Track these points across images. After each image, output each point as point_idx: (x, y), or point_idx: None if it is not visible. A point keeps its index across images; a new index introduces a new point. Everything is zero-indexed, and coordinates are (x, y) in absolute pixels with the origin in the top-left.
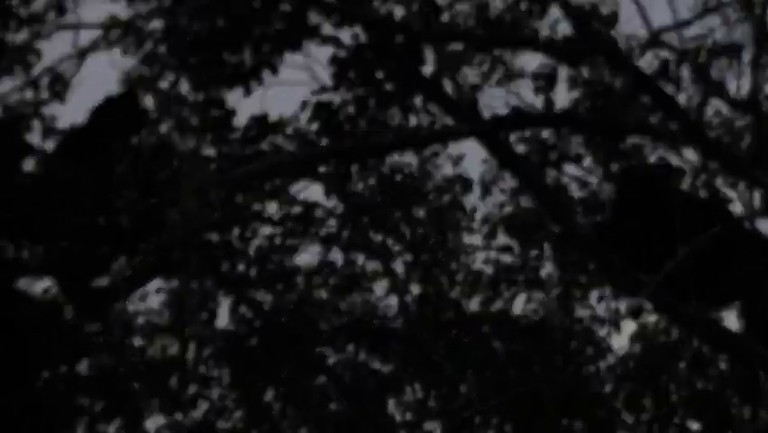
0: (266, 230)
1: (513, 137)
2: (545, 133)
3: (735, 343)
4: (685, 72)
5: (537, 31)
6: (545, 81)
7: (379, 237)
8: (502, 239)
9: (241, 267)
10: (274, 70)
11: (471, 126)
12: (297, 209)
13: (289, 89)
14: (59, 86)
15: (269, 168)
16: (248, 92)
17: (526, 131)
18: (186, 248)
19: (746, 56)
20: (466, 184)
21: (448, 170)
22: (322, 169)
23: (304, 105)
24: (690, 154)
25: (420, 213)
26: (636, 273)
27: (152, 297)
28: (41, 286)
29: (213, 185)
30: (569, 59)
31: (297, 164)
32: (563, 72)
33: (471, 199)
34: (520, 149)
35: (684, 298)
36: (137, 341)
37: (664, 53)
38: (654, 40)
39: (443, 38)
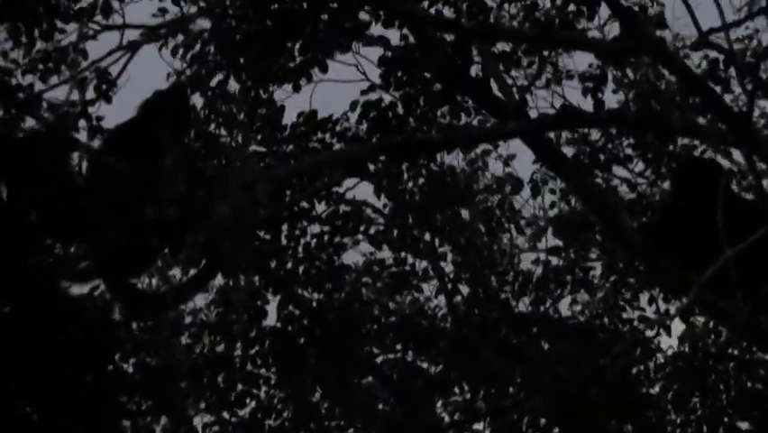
0: (314, 228)
1: (562, 139)
2: (595, 135)
3: None
4: (733, 73)
5: (585, 31)
6: (594, 82)
7: (427, 237)
8: (551, 240)
9: (289, 265)
10: (323, 68)
11: (519, 126)
12: (345, 208)
13: (339, 88)
14: (105, 85)
15: (317, 164)
16: (297, 89)
17: (575, 131)
18: (234, 243)
19: None
20: (516, 184)
21: (498, 170)
22: (371, 167)
23: (354, 104)
24: (739, 156)
25: (469, 213)
26: (684, 274)
27: (200, 296)
28: (89, 287)
29: (261, 180)
30: (617, 59)
31: (345, 161)
32: (610, 75)
33: (521, 200)
34: (569, 151)
35: (732, 298)
36: (184, 339)
37: (713, 54)
38: (703, 40)
39: (492, 38)
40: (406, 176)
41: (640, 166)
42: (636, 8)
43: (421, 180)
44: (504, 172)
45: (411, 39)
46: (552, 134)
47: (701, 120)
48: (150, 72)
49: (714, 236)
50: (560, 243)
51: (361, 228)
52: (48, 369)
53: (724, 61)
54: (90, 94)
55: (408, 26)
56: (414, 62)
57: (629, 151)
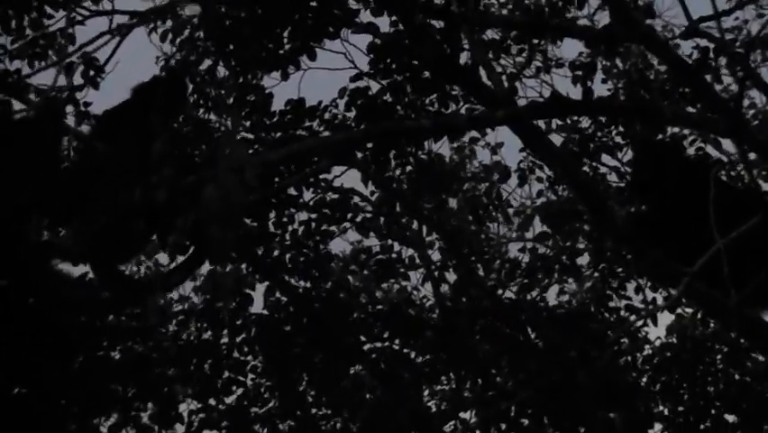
0: (302, 216)
1: (552, 126)
2: (584, 124)
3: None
4: (723, 62)
5: (575, 19)
6: (584, 70)
7: (415, 225)
8: (538, 228)
9: (276, 252)
10: (312, 56)
11: (509, 112)
12: (333, 196)
13: (328, 76)
14: (93, 71)
15: (305, 150)
16: (285, 77)
17: (565, 119)
18: (222, 228)
19: None
20: (504, 172)
21: (486, 158)
22: (359, 155)
23: (342, 92)
24: (729, 145)
25: (456, 201)
26: (674, 264)
27: (187, 282)
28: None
29: (249, 165)
30: (607, 48)
31: (333, 147)
32: (599, 64)
33: (509, 188)
34: (558, 139)
35: (721, 289)
36: (171, 326)
37: (703, 43)
38: (693, 29)
39: (482, 25)
40: (393, 163)
41: (629, 155)
42: None
43: (408, 168)
44: (491, 160)
45: (400, 26)
46: (541, 123)
47: (691, 109)
48: (139, 58)
49: (704, 225)
50: (548, 231)
51: (349, 216)
52: (38, 351)
53: (714, 50)
54: (78, 80)
55: (397, 13)
56: (403, 50)
57: (618, 139)
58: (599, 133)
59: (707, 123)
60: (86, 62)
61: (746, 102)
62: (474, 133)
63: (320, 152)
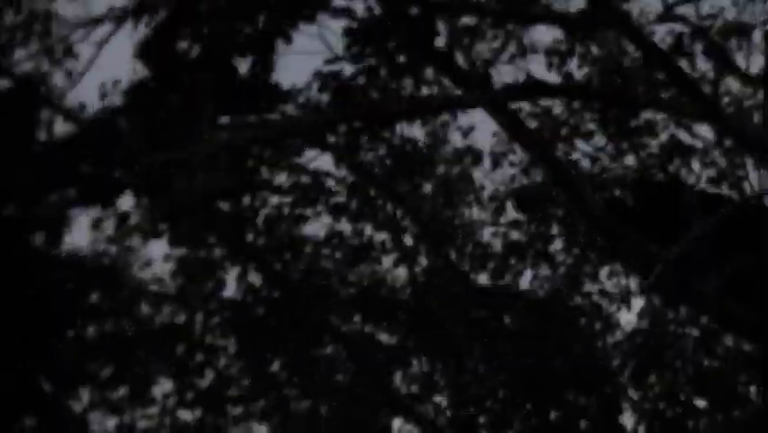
0: (275, 199)
1: (524, 113)
2: (557, 110)
3: (742, 320)
4: (699, 48)
5: (550, 5)
6: (559, 56)
7: (388, 208)
8: (511, 213)
9: (250, 236)
10: (288, 40)
11: (484, 95)
12: (306, 179)
13: (304, 60)
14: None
15: (278, 132)
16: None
17: (539, 101)
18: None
19: (757, 35)
20: (476, 156)
21: (458, 142)
22: (332, 138)
23: (316, 75)
24: (704, 131)
25: (429, 185)
26: (648, 250)
27: (161, 264)
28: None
29: (222, 149)
30: (583, 32)
31: (306, 129)
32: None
33: (481, 172)
34: (532, 124)
35: (695, 276)
36: (145, 308)
37: (678, 28)
38: (668, 13)
39: (458, 10)
40: (367, 147)
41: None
42: None
43: (382, 152)
44: (463, 144)
45: (376, 11)
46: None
47: (664, 94)
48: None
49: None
50: (520, 217)
51: (322, 199)
52: (14, 328)
53: (690, 35)
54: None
55: None
56: (378, 33)
57: (592, 125)
58: (572, 120)
59: (682, 108)
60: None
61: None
62: (446, 118)
63: (293, 132)
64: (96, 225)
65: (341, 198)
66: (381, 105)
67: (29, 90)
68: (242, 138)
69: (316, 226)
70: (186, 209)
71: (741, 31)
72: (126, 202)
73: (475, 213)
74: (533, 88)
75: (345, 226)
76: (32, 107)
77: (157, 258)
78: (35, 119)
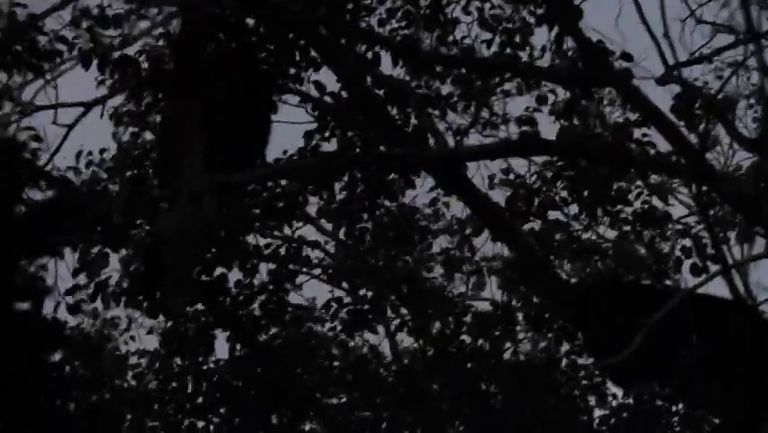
0: (264, 266)
1: (494, 182)
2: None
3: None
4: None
5: (552, 62)
6: (530, 125)
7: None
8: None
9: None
10: (273, 109)
11: (479, 148)
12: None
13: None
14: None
15: (271, 174)
16: None
17: (509, 172)
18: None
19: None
20: (477, 227)
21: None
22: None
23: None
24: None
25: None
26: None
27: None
28: None
29: (207, 190)
30: (583, 90)
31: (298, 172)
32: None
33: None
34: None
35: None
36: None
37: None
38: (669, 75)
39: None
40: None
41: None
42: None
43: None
44: (464, 213)
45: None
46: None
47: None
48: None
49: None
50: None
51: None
52: None
53: (687, 97)
54: None
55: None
56: (347, 114)
57: (564, 194)
58: (545, 188)
59: (675, 168)
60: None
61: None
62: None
63: (284, 175)
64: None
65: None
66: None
67: (11, 154)
68: (236, 177)
69: (304, 294)
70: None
71: (727, 104)
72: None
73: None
74: (529, 145)
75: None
76: (15, 171)
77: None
78: (18, 184)
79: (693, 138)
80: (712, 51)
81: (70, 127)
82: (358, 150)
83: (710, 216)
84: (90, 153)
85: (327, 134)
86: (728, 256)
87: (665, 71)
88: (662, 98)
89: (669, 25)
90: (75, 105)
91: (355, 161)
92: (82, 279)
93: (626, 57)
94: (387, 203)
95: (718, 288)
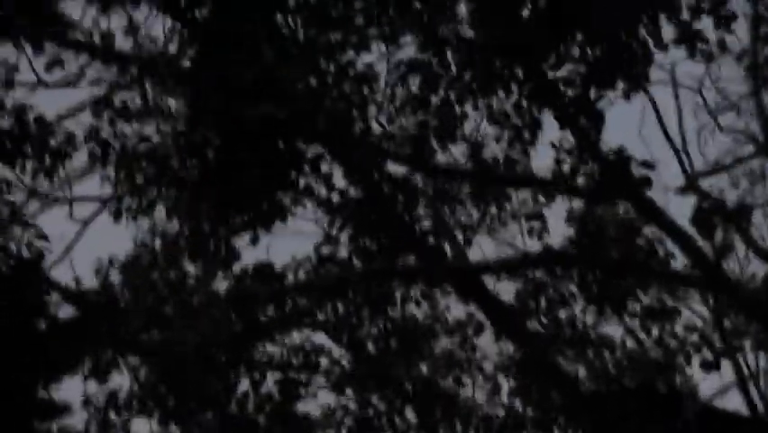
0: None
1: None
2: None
3: None
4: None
5: (570, 175)
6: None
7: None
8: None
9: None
10: (282, 219)
11: (501, 262)
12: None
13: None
14: None
15: (275, 291)
16: (255, 242)
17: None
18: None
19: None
20: (478, 327)
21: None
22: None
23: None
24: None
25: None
26: None
27: None
28: None
29: (221, 305)
30: (603, 202)
31: (301, 289)
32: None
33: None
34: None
35: None
36: None
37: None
38: (688, 186)
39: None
40: (367, 323)
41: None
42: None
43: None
44: (466, 314)
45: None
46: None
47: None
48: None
49: None
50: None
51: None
52: None
53: (708, 208)
54: None
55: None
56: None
57: (573, 289)
58: (553, 285)
59: (691, 279)
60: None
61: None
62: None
63: (306, 291)
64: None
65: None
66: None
67: (31, 271)
68: (244, 290)
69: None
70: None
71: (741, 213)
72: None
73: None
74: (551, 258)
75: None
76: (35, 289)
77: None
78: (37, 301)
79: (709, 247)
80: (732, 161)
81: (86, 223)
82: (372, 259)
83: (724, 325)
84: (111, 263)
85: (337, 241)
86: (743, 366)
87: (684, 182)
88: (671, 201)
89: (686, 134)
90: (91, 200)
91: (376, 277)
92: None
93: (647, 165)
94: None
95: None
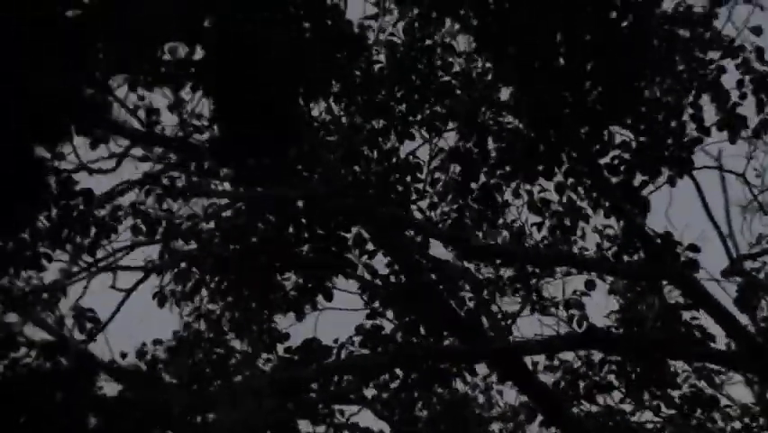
0: None
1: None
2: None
3: None
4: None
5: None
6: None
7: None
8: None
9: None
10: (328, 297)
11: (541, 343)
12: None
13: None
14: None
15: (319, 372)
16: (300, 318)
17: (552, 358)
18: None
19: None
20: (530, 414)
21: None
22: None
23: (359, 329)
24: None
25: None
26: None
27: None
28: None
29: (266, 387)
30: (648, 284)
31: (362, 367)
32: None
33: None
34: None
35: None
36: None
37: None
38: (734, 268)
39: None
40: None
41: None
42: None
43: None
44: (517, 400)
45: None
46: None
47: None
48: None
49: None
50: None
51: None
52: None
53: (750, 290)
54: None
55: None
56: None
57: (611, 377)
58: (591, 372)
59: (734, 360)
60: (78, 315)
61: None
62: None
63: (349, 370)
64: None
65: None
66: (437, 346)
67: (87, 363)
68: (286, 375)
69: None
70: None
71: None
72: None
73: None
74: (592, 339)
75: None
76: (89, 379)
77: None
78: (90, 391)
79: (752, 327)
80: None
81: (129, 292)
82: (420, 341)
83: None
84: (156, 344)
85: (379, 321)
86: None
87: (730, 264)
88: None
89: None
90: (135, 269)
91: (425, 357)
92: None
93: (693, 248)
94: (440, 390)
95: None
